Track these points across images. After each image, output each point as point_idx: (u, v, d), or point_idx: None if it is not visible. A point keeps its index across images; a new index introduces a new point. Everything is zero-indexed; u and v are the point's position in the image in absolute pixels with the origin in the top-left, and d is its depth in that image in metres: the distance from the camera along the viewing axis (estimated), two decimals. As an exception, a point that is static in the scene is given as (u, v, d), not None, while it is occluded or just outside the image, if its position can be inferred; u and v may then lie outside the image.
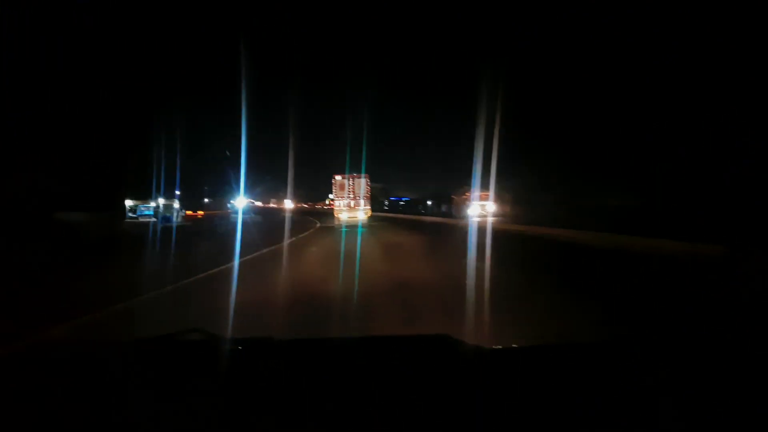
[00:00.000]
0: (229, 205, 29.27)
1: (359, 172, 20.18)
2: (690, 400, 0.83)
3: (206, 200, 26.99)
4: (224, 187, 43.81)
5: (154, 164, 27.38)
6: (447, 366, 1.05)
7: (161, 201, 27.57)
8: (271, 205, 54.88)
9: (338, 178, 19.99)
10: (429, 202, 56.37)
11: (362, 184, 19.82)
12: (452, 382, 0.95)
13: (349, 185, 19.88)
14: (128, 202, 28.40)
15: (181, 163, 34.04)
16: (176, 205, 26.16)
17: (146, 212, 28.00)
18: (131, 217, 28.40)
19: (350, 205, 20.05)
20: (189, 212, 23.07)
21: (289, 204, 43.73)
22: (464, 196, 29.77)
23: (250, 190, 49.69)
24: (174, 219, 24.81)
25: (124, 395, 0.89)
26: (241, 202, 41.67)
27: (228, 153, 41.35)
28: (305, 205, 76.15)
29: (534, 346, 1.23)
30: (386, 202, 69.91)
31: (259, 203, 58.12)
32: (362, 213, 19.82)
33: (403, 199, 72.61)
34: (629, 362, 1.05)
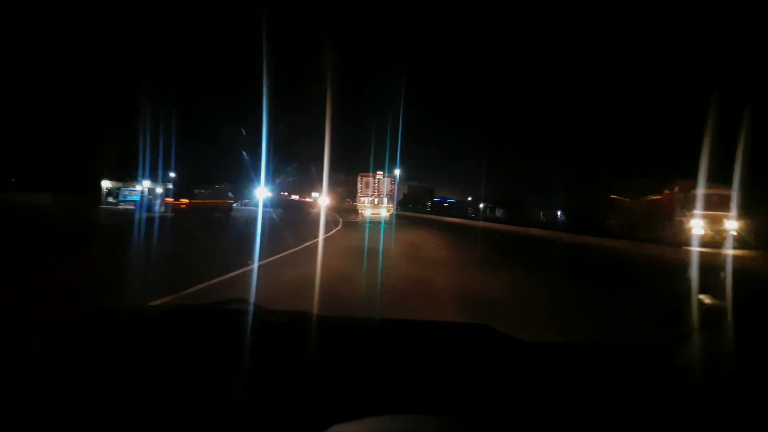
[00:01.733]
0: (231, 194, 22.71)
1: (394, 170, 21.38)
2: None
3: (218, 186, 21.87)
4: (241, 175, 37.72)
5: (142, 142, 21.64)
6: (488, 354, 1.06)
7: (147, 184, 21.58)
8: (306, 199, 48.61)
9: (363, 176, 20.85)
10: (481, 205, 48.83)
11: (386, 182, 20.42)
12: (491, 369, 0.95)
13: (373, 183, 20.52)
14: (106, 184, 22.66)
15: (189, 146, 27.90)
16: (159, 190, 20.22)
17: (131, 197, 22.31)
18: (110, 203, 22.63)
19: (374, 202, 20.64)
20: (169, 200, 16.80)
21: (323, 200, 36.21)
22: (675, 193, 15.83)
23: (276, 180, 43.55)
24: (156, 209, 18.90)
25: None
26: (262, 193, 35.61)
27: (244, 132, 35.42)
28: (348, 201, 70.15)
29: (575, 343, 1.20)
30: (429, 203, 63.08)
31: (295, 196, 52.07)
32: (385, 210, 20.30)
33: (448, 200, 69.33)
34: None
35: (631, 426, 0.72)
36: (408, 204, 60.04)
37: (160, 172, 24.46)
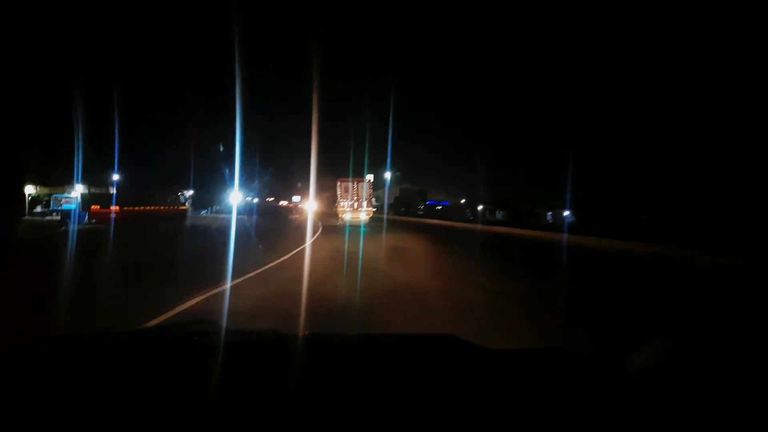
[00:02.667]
0: (185, 199, 19.11)
1: (383, 174, 24.36)
2: None
3: (168, 191, 17.23)
4: (211, 179, 33.87)
5: (77, 136, 18.02)
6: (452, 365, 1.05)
7: (81, 190, 17.97)
8: (287, 204, 44.76)
9: (342, 181, 21.41)
10: (480, 207, 45.87)
11: (365, 187, 21.12)
12: (456, 380, 0.95)
13: (352, 188, 21.13)
14: (30, 191, 18.89)
15: (144, 144, 24.50)
16: (76, 194, 16.65)
17: (66, 206, 18.57)
18: (37, 213, 18.82)
19: (353, 206, 21.11)
20: (96, 207, 13.13)
21: (310, 204, 32.14)
22: None
23: (251, 184, 39.69)
24: (71, 220, 15.30)
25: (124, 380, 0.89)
26: (235, 198, 31.88)
27: (221, 147, 31.88)
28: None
29: (542, 349, 1.17)
30: (421, 207, 59.96)
31: (284, 202, 47.90)
32: (364, 214, 20.94)
33: (442, 203, 66.28)
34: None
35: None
36: (400, 207, 57.44)
37: (116, 173, 20.84)
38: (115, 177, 20.12)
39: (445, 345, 1.16)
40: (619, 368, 0.94)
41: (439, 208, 61.58)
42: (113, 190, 18.33)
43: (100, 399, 0.80)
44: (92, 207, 14.69)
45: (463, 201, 62.72)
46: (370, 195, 21.39)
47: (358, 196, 20.96)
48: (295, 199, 45.74)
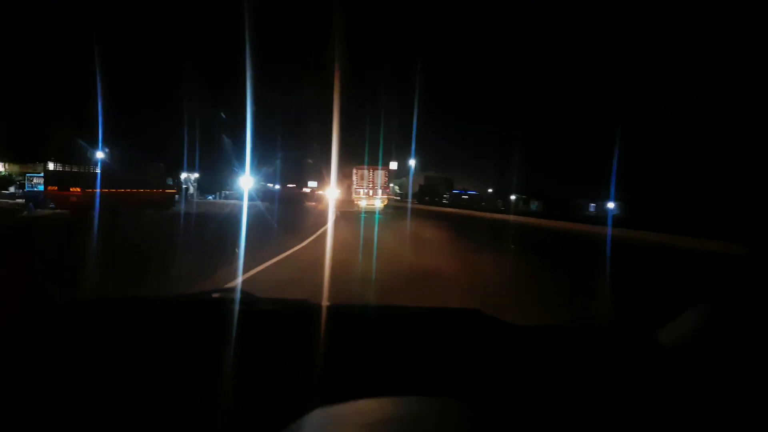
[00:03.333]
0: (185, 182, 16.48)
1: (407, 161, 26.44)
2: None
3: (147, 166, 14.30)
4: (222, 162, 30.99)
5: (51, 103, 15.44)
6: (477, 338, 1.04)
7: (52, 167, 15.43)
8: (303, 189, 41.36)
9: (358, 169, 22.28)
10: (512, 197, 41.69)
11: (380, 175, 22.01)
12: (480, 353, 0.94)
13: (368, 176, 22.00)
14: (-2, 168, 16.54)
15: (137, 115, 22.15)
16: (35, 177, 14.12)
17: (41, 187, 16.07)
18: (7, 195, 16.44)
19: (369, 194, 21.89)
20: (53, 188, 10.35)
21: (332, 191, 28.00)
22: None
23: (268, 169, 36.67)
24: (34, 204, 12.71)
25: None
26: (247, 183, 29.24)
27: (223, 115, 29.14)
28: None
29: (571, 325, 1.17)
30: (446, 195, 56.90)
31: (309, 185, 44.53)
32: (379, 201, 21.53)
33: (468, 192, 63.51)
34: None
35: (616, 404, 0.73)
36: (425, 196, 55.17)
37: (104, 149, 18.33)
38: (99, 154, 17.40)
39: (470, 316, 1.16)
40: (651, 341, 0.91)
41: (465, 197, 58.25)
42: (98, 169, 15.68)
43: (134, 363, 0.80)
44: (49, 188, 12.02)
45: (490, 190, 58.91)
46: (385, 182, 22.18)
47: (373, 183, 21.84)
48: (312, 184, 42.44)
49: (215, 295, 1.21)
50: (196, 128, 25.56)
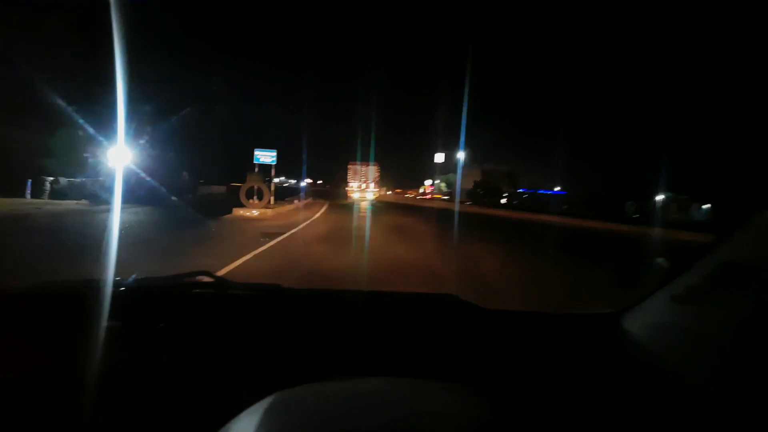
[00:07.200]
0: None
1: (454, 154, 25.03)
2: None
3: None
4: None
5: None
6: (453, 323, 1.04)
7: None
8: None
9: (352, 164, 25.39)
10: (659, 197, 29.00)
11: (371, 170, 25.13)
12: (456, 338, 0.96)
13: (361, 171, 25.35)
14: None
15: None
16: None
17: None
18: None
19: (361, 187, 23.90)
20: None
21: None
22: None
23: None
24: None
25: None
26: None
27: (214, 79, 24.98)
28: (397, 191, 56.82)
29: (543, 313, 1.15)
30: (505, 194, 48.06)
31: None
32: (371, 194, 22.76)
33: (555, 191, 47.94)
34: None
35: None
36: (483, 196, 43.83)
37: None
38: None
39: (445, 302, 1.17)
40: (618, 326, 0.93)
41: (526, 196, 46.67)
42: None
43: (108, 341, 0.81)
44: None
45: (557, 189, 49.00)
46: (376, 177, 23.83)
47: (366, 177, 22.38)
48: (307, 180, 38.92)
49: (186, 279, 1.16)
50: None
